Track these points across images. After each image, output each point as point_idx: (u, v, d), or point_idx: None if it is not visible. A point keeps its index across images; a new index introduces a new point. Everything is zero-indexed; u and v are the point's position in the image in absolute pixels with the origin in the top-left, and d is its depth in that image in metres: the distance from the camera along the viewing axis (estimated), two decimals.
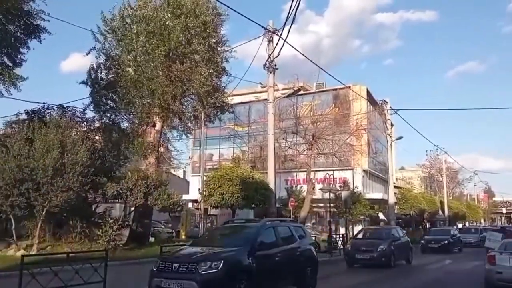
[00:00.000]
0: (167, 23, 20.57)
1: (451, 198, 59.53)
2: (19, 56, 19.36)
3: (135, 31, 21.04)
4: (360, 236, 20.22)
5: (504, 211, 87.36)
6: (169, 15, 20.95)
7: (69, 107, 20.83)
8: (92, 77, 23.13)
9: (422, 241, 27.97)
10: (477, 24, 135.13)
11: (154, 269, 8.69)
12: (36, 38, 19.33)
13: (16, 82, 19.10)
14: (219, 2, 17.57)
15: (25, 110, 19.69)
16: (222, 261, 8.14)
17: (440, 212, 48.42)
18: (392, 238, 17.99)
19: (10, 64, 19.06)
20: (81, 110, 21.78)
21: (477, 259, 21.54)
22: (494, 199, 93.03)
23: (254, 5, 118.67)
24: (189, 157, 43.14)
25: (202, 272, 7.96)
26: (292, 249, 10.43)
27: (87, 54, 22.72)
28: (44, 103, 20.15)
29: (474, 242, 32.28)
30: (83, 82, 23.20)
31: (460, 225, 55.46)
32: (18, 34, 19.02)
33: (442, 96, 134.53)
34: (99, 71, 23.23)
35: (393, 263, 16.98)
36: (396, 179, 54.58)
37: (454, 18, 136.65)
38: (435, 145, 50.56)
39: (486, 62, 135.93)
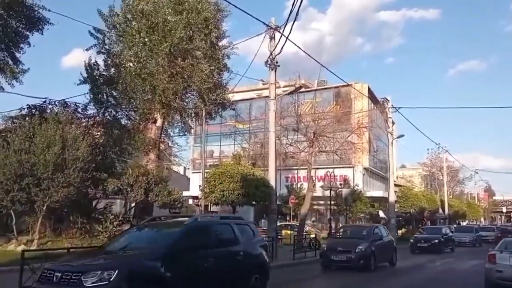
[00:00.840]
0: (168, 18, 20.53)
1: (451, 196, 59.54)
2: (19, 52, 19.33)
3: (136, 27, 21.01)
4: (338, 234, 18.82)
5: (504, 210, 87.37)
6: (170, 11, 20.91)
7: (70, 102, 20.86)
8: (90, 73, 23.10)
9: (411, 240, 26.39)
10: (479, 22, 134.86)
11: (37, 280, 7.00)
12: (38, 30, 19.30)
13: (17, 75, 19.11)
14: None
15: (27, 105, 19.72)
16: (117, 271, 6.38)
17: (441, 210, 48.42)
18: (373, 237, 16.18)
19: (10, 62, 19.05)
20: (83, 106, 21.81)
21: (471, 259, 20.78)
22: (494, 198, 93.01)
23: (256, 2, 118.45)
24: (191, 159, 43.24)
25: (88, 285, 6.26)
26: (231, 253, 8.66)
27: (87, 50, 22.77)
28: (45, 98, 20.18)
29: (469, 241, 31.46)
30: (82, 82, 23.16)
31: (462, 223, 55.58)
32: (20, 29, 18.99)
33: (443, 95, 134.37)
34: (97, 67, 23.23)
35: (374, 265, 15.10)
36: (397, 177, 54.59)
37: (456, 17, 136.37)
38: (436, 144, 50.54)
39: (487, 61, 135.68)
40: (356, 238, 16.11)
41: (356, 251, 14.89)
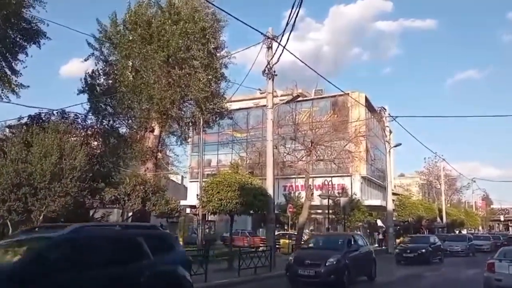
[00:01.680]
0: (166, 28, 20.63)
1: (449, 205, 59.60)
2: (17, 63, 19.30)
3: (131, 38, 21.11)
4: (310, 245, 16.39)
5: (502, 218, 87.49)
6: (168, 21, 21.01)
7: (69, 112, 20.83)
8: (89, 83, 23.12)
9: (397, 250, 24.56)
10: (477, 32, 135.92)
11: None
12: (35, 43, 19.33)
13: (15, 89, 19.08)
14: (219, 8, 17.67)
15: (28, 115, 19.67)
16: None
17: (438, 219, 48.42)
18: (348, 248, 14.18)
19: (9, 73, 19.03)
20: (82, 115, 21.79)
21: (462, 271, 19.74)
22: (492, 206, 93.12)
23: (254, 12, 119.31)
24: (188, 167, 43.18)
25: None
26: (131, 274, 6.96)
27: (85, 60, 22.85)
28: (42, 108, 20.12)
29: (462, 250, 29.49)
30: (81, 92, 23.14)
31: (463, 232, 55.44)
32: (17, 39, 19.01)
33: (441, 104, 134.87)
34: (96, 77, 23.25)
35: (348, 281, 13.08)
36: (395, 186, 54.58)
37: (454, 26, 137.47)
38: (433, 152, 50.78)
39: (485, 70, 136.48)
40: (327, 249, 14.20)
41: (326, 264, 12.81)
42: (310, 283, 12.93)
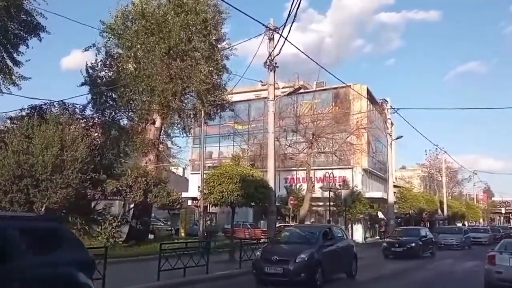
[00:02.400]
0: (168, 18, 20.54)
1: (450, 197, 59.64)
2: (18, 55, 19.26)
3: (135, 28, 21.00)
4: (280, 238, 14.23)
5: (503, 211, 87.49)
6: (171, 12, 20.93)
7: (69, 104, 20.83)
8: (90, 75, 23.06)
9: (384, 244, 22.91)
10: (479, 24, 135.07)
11: None
12: (36, 36, 19.27)
13: (17, 82, 19.05)
14: (223, 0, 17.53)
15: (29, 105, 19.68)
16: None
17: (440, 211, 48.49)
18: (323, 241, 12.53)
19: (11, 64, 18.99)
20: (81, 107, 21.78)
21: (454, 266, 18.90)
22: (493, 199, 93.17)
23: (256, 4, 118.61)
24: (189, 160, 43.22)
25: None
26: None
27: (85, 50, 22.72)
28: (44, 99, 20.16)
29: (457, 244, 28.31)
30: (82, 84, 23.08)
31: (460, 224, 55.55)
32: (18, 31, 18.94)
33: (443, 96, 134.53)
34: (97, 69, 23.19)
35: (321, 279, 11.49)
36: (396, 178, 54.60)
37: (456, 18, 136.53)
38: (434, 145, 50.72)
39: (487, 63, 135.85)
40: (299, 244, 12.60)
41: (296, 261, 11.24)
42: (277, 282, 11.35)
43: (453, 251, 26.40)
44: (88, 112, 22.28)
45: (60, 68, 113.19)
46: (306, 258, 11.33)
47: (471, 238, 31.47)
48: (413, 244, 21.68)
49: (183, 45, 20.88)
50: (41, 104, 19.84)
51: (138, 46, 20.67)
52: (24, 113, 19.42)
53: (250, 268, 12.36)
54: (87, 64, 22.89)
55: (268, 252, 12.14)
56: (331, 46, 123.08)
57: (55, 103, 20.17)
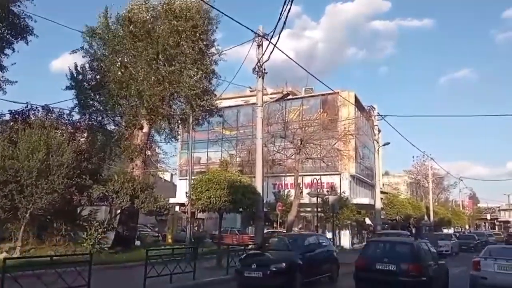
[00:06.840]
0: (158, 24, 20.48)
1: (436, 204, 60.19)
2: (3, 58, 19.02)
3: (121, 33, 20.90)
4: (266, 245, 15.06)
5: (488, 217, 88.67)
6: (160, 18, 20.87)
7: (54, 108, 20.58)
8: (76, 78, 22.78)
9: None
10: (471, 31, 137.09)
11: None
12: (23, 39, 19.07)
13: (1, 85, 18.81)
14: (211, 6, 17.55)
15: (8, 111, 19.40)
16: None
17: (426, 217, 48.89)
18: (304, 248, 13.22)
19: None
20: (68, 111, 21.55)
21: None
22: (478, 205, 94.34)
23: (248, 11, 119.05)
24: (178, 166, 42.98)
25: None
26: None
27: (72, 52, 22.47)
28: (27, 103, 19.82)
29: (446, 250, 27.80)
30: (67, 88, 22.77)
31: (448, 231, 55.98)
32: (5, 34, 18.72)
33: (433, 104, 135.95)
34: (84, 73, 22.95)
35: (300, 284, 12.01)
36: (383, 184, 54.98)
37: (448, 26, 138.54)
38: (421, 151, 51.29)
39: (479, 70, 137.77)
40: (280, 250, 13.22)
41: (274, 268, 11.68)
42: (257, 287, 11.88)
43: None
44: (74, 116, 22.08)
45: (47, 71, 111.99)
46: (284, 265, 11.84)
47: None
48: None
49: (171, 49, 20.82)
50: (23, 108, 19.53)
51: (125, 51, 20.54)
52: (7, 118, 19.17)
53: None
54: (70, 69, 22.60)
55: (248, 259, 12.74)
56: (324, 52, 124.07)
57: (38, 107, 19.91)
